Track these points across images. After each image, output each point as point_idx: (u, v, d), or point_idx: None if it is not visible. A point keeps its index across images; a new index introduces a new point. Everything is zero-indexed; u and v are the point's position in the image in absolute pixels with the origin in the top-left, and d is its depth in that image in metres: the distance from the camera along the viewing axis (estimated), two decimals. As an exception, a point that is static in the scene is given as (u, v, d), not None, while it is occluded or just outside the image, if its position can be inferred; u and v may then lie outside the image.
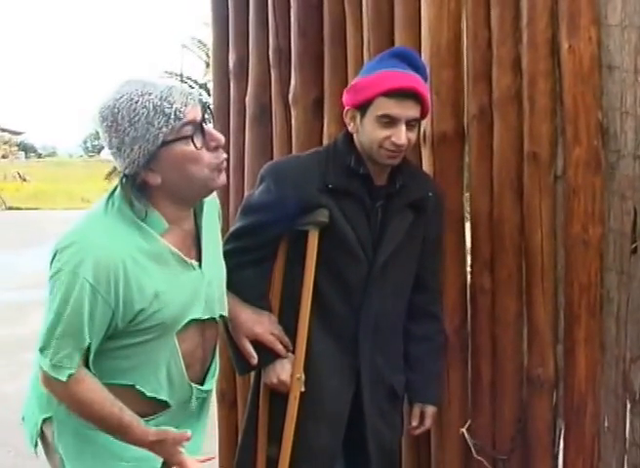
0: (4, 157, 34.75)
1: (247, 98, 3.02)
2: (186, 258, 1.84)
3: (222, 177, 1.83)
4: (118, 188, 1.80)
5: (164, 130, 1.69)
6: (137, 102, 1.68)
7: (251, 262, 2.22)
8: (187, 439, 1.82)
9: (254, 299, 2.24)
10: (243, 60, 3.05)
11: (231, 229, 2.31)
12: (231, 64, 3.10)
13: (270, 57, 2.93)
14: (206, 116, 1.79)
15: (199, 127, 1.74)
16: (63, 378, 1.73)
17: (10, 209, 25.85)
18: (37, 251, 13.76)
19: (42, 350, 1.75)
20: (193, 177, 1.76)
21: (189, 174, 1.75)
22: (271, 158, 2.87)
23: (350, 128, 2.22)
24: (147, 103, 1.68)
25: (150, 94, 1.70)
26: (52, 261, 1.75)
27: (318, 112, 2.79)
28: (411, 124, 2.15)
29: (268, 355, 2.25)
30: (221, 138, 1.79)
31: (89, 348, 1.75)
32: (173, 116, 1.69)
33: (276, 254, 2.30)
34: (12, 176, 32.92)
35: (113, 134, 1.71)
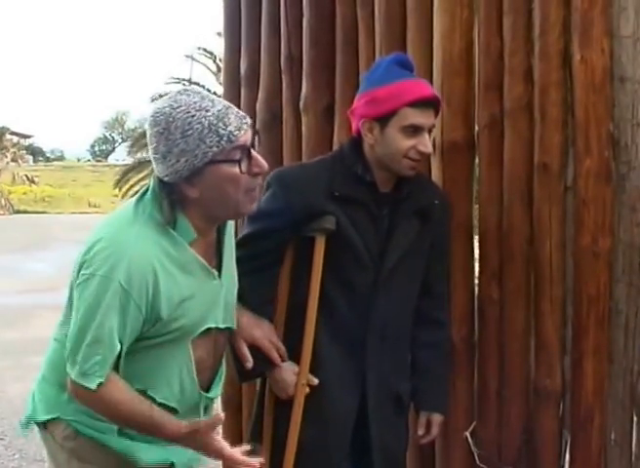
0: (12, 160, 34.85)
1: (258, 105, 3.03)
2: (209, 267, 1.85)
3: (254, 204, 1.85)
4: (149, 193, 1.80)
5: (214, 149, 1.70)
6: (193, 117, 1.69)
7: (257, 269, 2.22)
8: (221, 420, 1.83)
9: (255, 306, 2.23)
10: (254, 67, 3.06)
11: (239, 236, 2.31)
12: (242, 71, 3.11)
13: (282, 63, 2.94)
14: (255, 141, 1.80)
15: (247, 152, 1.75)
16: (93, 387, 1.72)
17: (17, 212, 25.94)
18: (44, 254, 13.83)
19: (70, 357, 1.74)
20: (228, 199, 1.77)
21: (225, 194, 1.76)
22: (281, 164, 2.87)
23: (367, 139, 2.22)
24: (203, 120, 1.69)
25: (208, 110, 1.70)
26: (81, 266, 1.74)
27: (329, 119, 2.80)
28: (429, 131, 2.18)
29: (266, 362, 2.24)
30: (265, 166, 1.80)
31: (119, 354, 1.75)
32: (225, 138, 1.70)
33: (283, 261, 2.30)
34: (20, 180, 33.03)
35: (163, 140, 1.71)
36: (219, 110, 1.71)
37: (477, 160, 2.52)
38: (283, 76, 2.95)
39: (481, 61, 2.46)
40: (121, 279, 1.69)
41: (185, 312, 1.79)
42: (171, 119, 1.70)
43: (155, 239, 1.76)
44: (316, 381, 2.24)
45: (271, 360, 2.24)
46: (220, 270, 1.91)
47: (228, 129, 1.71)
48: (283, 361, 2.25)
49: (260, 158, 1.78)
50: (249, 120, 1.78)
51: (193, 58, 16.72)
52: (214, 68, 17.16)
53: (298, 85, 2.88)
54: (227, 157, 1.72)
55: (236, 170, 1.74)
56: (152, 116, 1.73)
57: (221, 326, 1.93)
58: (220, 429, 1.85)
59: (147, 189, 1.82)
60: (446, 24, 2.45)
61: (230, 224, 2.00)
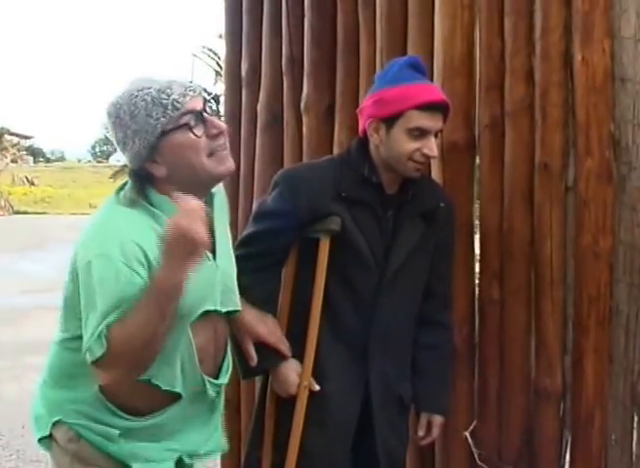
0: (13, 161, 34.84)
1: (259, 106, 3.04)
2: None
3: (227, 164, 1.84)
4: (129, 182, 1.83)
5: (162, 120, 1.74)
6: (136, 97, 1.75)
7: (261, 268, 2.23)
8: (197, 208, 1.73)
9: (260, 303, 2.24)
10: (255, 68, 3.07)
11: (243, 234, 2.32)
12: (244, 72, 3.12)
13: (283, 64, 2.95)
14: (207, 106, 1.81)
15: (199, 116, 1.77)
16: (94, 358, 1.70)
17: (17, 213, 25.93)
18: (44, 255, 13.82)
19: (65, 344, 1.77)
20: (194, 165, 1.78)
21: (189, 162, 1.78)
22: (282, 165, 2.88)
23: (373, 139, 2.22)
24: (146, 97, 1.74)
25: (149, 88, 1.76)
26: (76, 259, 1.76)
27: (329, 120, 2.81)
28: (435, 135, 2.19)
29: (273, 357, 2.25)
30: (222, 126, 1.82)
31: None
32: (170, 106, 1.74)
33: (287, 261, 2.31)
34: (20, 181, 33.01)
35: (118, 129, 1.77)
36: (160, 85, 1.76)
37: (478, 160, 2.52)
38: (284, 77, 2.96)
39: (482, 62, 2.46)
40: (118, 255, 1.70)
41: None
42: (118, 106, 1.77)
43: (143, 219, 1.77)
44: (317, 387, 2.24)
45: (279, 353, 2.24)
46: (214, 253, 1.90)
47: (172, 97, 1.74)
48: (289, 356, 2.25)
49: (215, 119, 1.80)
50: (196, 87, 1.81)
51: (196, 56, 16.70)
52: (217, 69, 17.13)
53: (299, 86, 2.89)
54: (177, 124, 1.75)
55: (190, 135, 1.76)
56: (106, 111, 1.79)
57: (221, 309, 1.92)
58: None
59: (126, 181, 1.85)
60: (447, 26, 2.46)
61: (220, 205, 1.99)
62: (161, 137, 1.74)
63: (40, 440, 1.94)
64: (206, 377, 1.93)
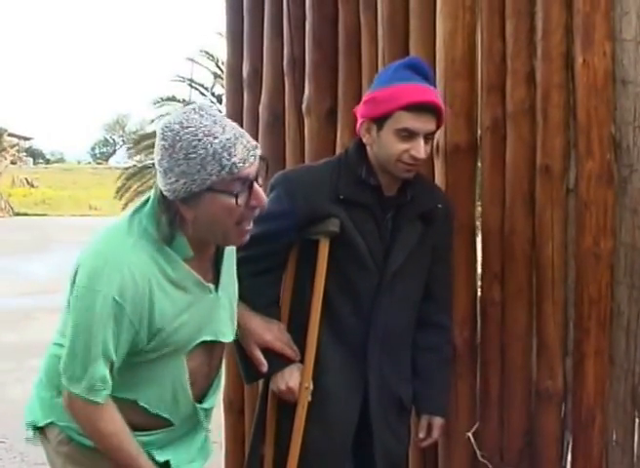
0: (12, 163, 34.82)
1: (260, 107, 3.04)
2: (204, 282, 1.84)
3: (245, 238, 1.82)
4: (148, 206, 1.79)
5: (213, 178, 1.67)
6: (200, 141, 1.66)
7: (261, 271, 2.23)
8: None
9: (263, 307, 2.24)
10: (257, 70, 3.07)
11: (242, 238, 2.31)
12: (245, 73, 3.11)
13: (284, 66, 2.95)
14: (260, 174, 1.76)
15: (249, 184, 1.72)
16: (101, 400, 1.73)
17: (17, 214, 25.91)
18: (45, 257, 13.82)
19: (69, 372, 1.74)
20: (218, 227, 1.75)
21: (217, 222, 1.74)
22: (284, 167, 2.88)
23: (365, 139, 2.22)
24: (209, 146, 1.66)
25: (216, 137, 1.67)
26: (74, 277, 1.74)
27: (331, 122, 2.81)
28: (427, 137, 2.16)
29: (278, 362, 2.25)
30: (264, 201, 1.77)
31: (111, 368, 1.74)
32: (227, 169, 1.67)
33: (286, 263, 2.31)
34: (20, 182, 32.99)
35: (167, 157, 1.69)
36: (227, 139, 1.68)
37: (480, 162, 2.53)
38: (285, 78, 2.95)
39: (483, 64, 2.47)
40: (114, 293, 1.68)
41: (180, 327, 1.79)
42: (178, 138, 1.67)
43: (150, 253, 1.75)
44: (309, 398, 2.24)
45: (284, 357, 2.24)
46: (217, 283, 1.89)
47: (232, 160, 1.67)
48: (296, 360, 2.25)
49: (260, 192, 1.74)
50: (258, 151, 1.74)
51: (194, 61, 16.71)
52: (215, 71, 17.14)
53: (300, 87, 2.89)
54: (226, 188, 1.69)
55: (232, 201, 1.70)
56: (162, 129, 1.71)
57: (218, 340, 1.92)
58: None
59: (146, 201, 1.81)
60: (448, 28, 2.46)
61: None
62: (205, 192, 1.69)
63: (31, 430, 1.97)
64: (198, 406, 1.94)
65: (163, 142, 1.70)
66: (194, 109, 1.71)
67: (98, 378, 1.71)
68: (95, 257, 1.73)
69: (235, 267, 2.02)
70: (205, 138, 1.66)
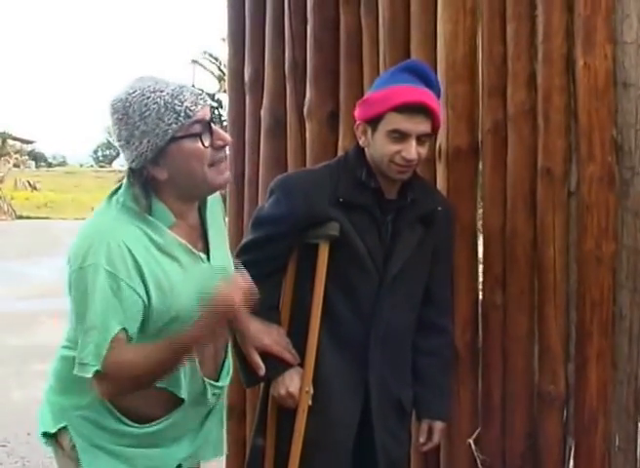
0: (15, 166, 34.88)
1: (262, 111, 3.04)
2: (195, 251, 1.86)
3: (225, 175, 1.86)
4: (123, 186, 1.82)
5: (173, 126, 1.74)
6: (148, 98, 1.74)
7: (261, 275, 2.21)
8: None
9: (263, 311, 2.23)
10: (259, 73, 3.07)
11: (242, 242, 2.32)
12: (247, 77, 3.12)
13: (286, 70, 2.95)
14: (214, 117, 1.84)
15: (207, 126, 1.78)
16: (89, 375, 1.73)
17: (20, 218, 25.94)
18: (47, 260, 13.82)
19: (83, 358, 1.74)
20: (195, 174, 1.79)
21: (192, 169, 1.79)
22: (285, 170, 2.88)
23: (361, 142, 2.23)
24: (159, 100, 1.73)
25: (162, 91, 1.75)
26: (68, 267, 1.76)
27: (333, 125, 2.81)
28: (421, 139, 2.16)
29: (277, 366, 2.24)
30: (228, 138, 1.83)
31: (128, 336, 1.74)
32: (183, 114, 1.74)
33: (286, 267, 2.31)
34: (22, 185, 33.03)
35: (123, 126, 1.76)
36: (173, 89, 1.75)
37: (481, 165, 2.52)
38: (287, 82, 2.96)
39: (484, 67, 2.47)
40: (103, 263, 1.70)
41: (177, 298, 1.79)
42: (127, 104, 1.74)
43: (134, 223, 1.77)
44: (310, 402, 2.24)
45: (284, 362, 2.23)
46: (207, 253, 1.91)
47: (185, 104, 1.74)
48: (296, 363, 2.25)
49: (221, 131, 1.82)
50: (205, 96, 1.82)
51: (198, 63, 16.70)
52: (218, 74, 17.13)
53: (302, 91, 2.89)
54: (188, 132, 1.76)
55: (198, 144, 1.77)
56: (110, 105, 1.78)
57: None
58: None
59: (119, 185, 1.85)
60: (449, 31, 2.46)
61: (214, 204, 1.99)
62: (170, 143, 1.75)
63: (46, 443, 1.95)
64: (206, 380, 1.93)
65: (116, 115, 1.77)
66: (133, 79, 1.80)
67: (88, 352, 1.71)
68: (80, 240, 1.77)
69: (227, 241, 2.05)
70: (153, 95, 1.74)
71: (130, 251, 1.73)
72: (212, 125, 1.79)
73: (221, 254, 1.97)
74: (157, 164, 1.77)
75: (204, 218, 1.93)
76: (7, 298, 9.90)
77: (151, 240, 1.78)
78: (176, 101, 1.74)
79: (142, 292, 1.74)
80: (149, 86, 1.75)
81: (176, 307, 1.79)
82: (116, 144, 1.81)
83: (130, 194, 1.80)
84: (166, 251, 1.79)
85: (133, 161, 1.78)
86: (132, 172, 1.80)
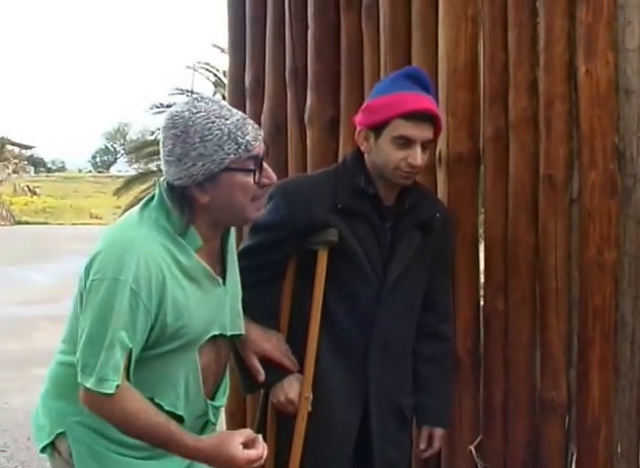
0: (14, 171, 34.94)
1: (262, 117, 3.03)
2: (214, 275, 1.86)
3: (260, 211, 1.88)
4: (155, 200, 1.82)
5: (231, 157, 1.74)
6: (213, 123, 1.73)
7: (259, 281, 2.22)
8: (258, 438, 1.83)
9: (262, 318, 2.23)
10: (259, 79, 3.07)
11: (240, 248, 2.31)
12: (247, 83, 3.12)
13: (286, 76, 2.95)
14: (265, 153, 1.84)
15: (260, 162, 1.79)
16: (111, 391, 1.70)
17: (19, 223, 25.96)
18: (46, 265, 13.84)
19: (83, 365, 1.72)
20: (236, 205, 1.80)
21: (234, 201, 1.79)
22: (286, 177, 2.87)
23: (363, 148, 2.23)
24: (223, 127, 1.74)
25: (227, 119, 1.75)
26: (89, 273, 1.74)
27: (333, 132, 2.81)
28: (424, 145, 2.16)
29: (276, 373, 2.24)
30: (274, 178, 1.85)
31: (130, 357, 1.74)
32: (243, 147, 1.75)
33: (285, 273, 2.30)
34: (21, 191, 33.06)
35: (179, 143, 1.74)
36: (237, 119, 1.76)
37: (482, 172, 2.52)
38: (287, 88, 2.96)
39: (486, 74, 2.47)
40: (130, 280, 1.70)
41: (191, 320, 1.79)
42: (190, 123, 1.73)
43: (163, 243, 1.77)
44: (309, 408, 2.24)
45: (283, 368, 2.23)
46: (224, 277, 1.91)
47: (246, 138, 1.75)
48: (295, 370, 2.24)
49: (270, 170, 1.83)
50: (262, 132, 1.83)
51: (195, 69, 16.72)
52: (213, 80, 17.18)
53: (302, 97, 2.89)
54: (243, 166, 1.76)
55: (249, 179, 1.77)
56: (170, 119, 1.76)
57: (227, 333, 1.93)
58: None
59: (152, 197, 1.84)
60: (451, 38, 2.46)
61: (232, 232, 2.01)
62: (223, 171, 1.75)
63: (42, 449, 1.94)
64: (209, 402, 1.94)
65: (174, 131, 1.75)
66: (197, 99, 1.79)
67: (110, 367, 1.70)
68: (109, 249, 1.75)
69: (237, 266, 2.03)
70: (217, 120, 1.74)
71: (156, 269, 1.73)
72: (263, 163, 1.80)
73: (234, 278, 1.99)
74: (202, 188, 1.76)
75: (225, 244, 1.95)
76: (6, 303, 9.90)
77: (176, 261, 1.77)
78: (239, 133, 1.74)
79: (154, 312, 1.74)
80: (215, 110, 1.75)
81: (189, 327, 1.79)
82: (163, 159, 1.79)
83: (164, 212, 1.80)
84: (189, 273, 1.80)
85: (179, 179, 1.76)
86: (170, 188, 1.79)
